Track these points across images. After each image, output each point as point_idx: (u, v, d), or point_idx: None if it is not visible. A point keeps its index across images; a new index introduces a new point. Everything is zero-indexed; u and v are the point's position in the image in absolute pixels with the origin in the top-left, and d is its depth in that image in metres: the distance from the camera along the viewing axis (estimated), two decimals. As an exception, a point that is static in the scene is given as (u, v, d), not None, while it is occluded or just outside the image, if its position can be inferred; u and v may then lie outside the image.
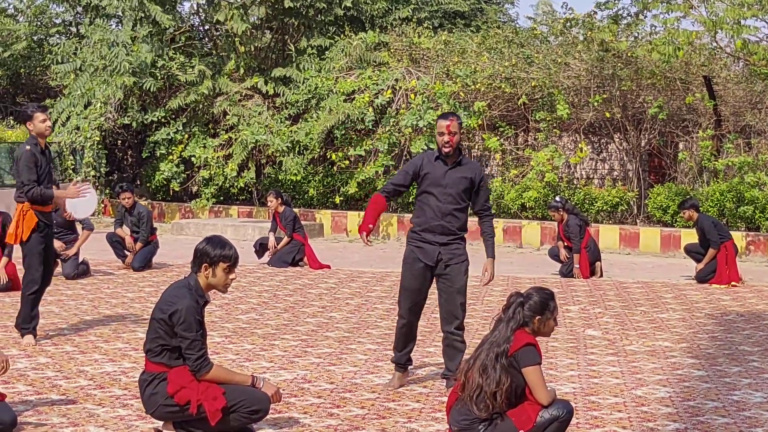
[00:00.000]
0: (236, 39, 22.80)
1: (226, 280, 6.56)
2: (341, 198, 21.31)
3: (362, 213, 21.15)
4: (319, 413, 7.35)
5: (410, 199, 21.05)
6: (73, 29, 26.37)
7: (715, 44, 19.94)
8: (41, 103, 10.52)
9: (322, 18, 24.20)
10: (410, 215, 20.71)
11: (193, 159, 22.25)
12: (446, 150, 8.06)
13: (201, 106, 22.74)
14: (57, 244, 13.97)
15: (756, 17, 17.90)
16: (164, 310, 6.43)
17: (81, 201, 10.19)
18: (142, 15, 22.28)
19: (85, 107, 22.26)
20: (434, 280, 8.18)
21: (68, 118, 22.34)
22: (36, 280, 9.71)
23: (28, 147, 9.67)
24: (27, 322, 9.71)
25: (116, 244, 15.24)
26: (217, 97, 22.58)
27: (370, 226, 8.28)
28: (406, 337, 8.30)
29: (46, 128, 9.75)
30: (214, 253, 6.48)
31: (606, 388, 8.24)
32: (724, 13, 17.50)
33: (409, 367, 8.46)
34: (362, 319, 11.34)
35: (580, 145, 20.63)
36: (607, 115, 20.02)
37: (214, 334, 10.11)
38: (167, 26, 22.24)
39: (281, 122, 21.64)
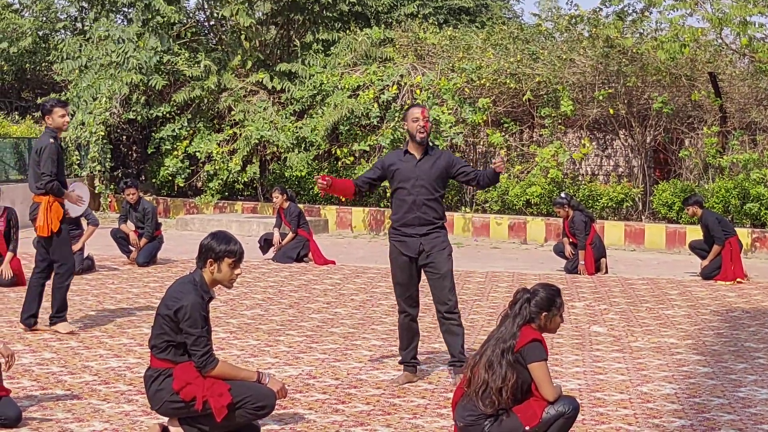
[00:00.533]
0: (241, 34, 22.79)
1: (232, 275, 6.55)
2: (346, 194, 21.28)
3: (367, 209, 21.21)
4: (324, 409, 7.34)
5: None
6: (79, 25, 26.38)
7: (720, 41, 19.90)
8: (61, 98, 10.77)
9: (328, 13, 24.18)
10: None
11: (197, 154, 22.25)
12: (421, 135, 8.25)
13: (206, 101, 22.73)
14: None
15: (762, 14, 17.85)
16: (169, 306, 6.42)
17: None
18: (144, 5, 22.23)
19: (90, 103, 22.25)
20: (420, 271, 8.35)
21: (73, 114, 22.34)
22: (71, 269, 10.07)
23: (51, 140, 9.85)
24: (63, 310, 10.03)
25: (121, 239, 15.25)
26: (222, 93, 22.57)
27: (328, 181, 8.23)
28: (408, 331, 8.40)
29: (63, 123, 10.00)
30: (219, 249, 6.47)
31: (611, 384, 8.24)
32: (731, 11, 17.45)
33: (418, 368, 8.45)
34: (367, 315, 11.34)
35: (583, 141, 20.59)
36: (611, 111, 19.98)
37: (219, 329, 10.11)
38: (173, 19, 22.21)
39: (286, 118, 21.63)
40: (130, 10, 23.31)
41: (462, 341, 8.28)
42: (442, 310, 8.29)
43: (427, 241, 8.19)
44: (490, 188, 20.21)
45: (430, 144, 8.49)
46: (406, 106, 20.74)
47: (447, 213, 20.42)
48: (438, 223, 8.27)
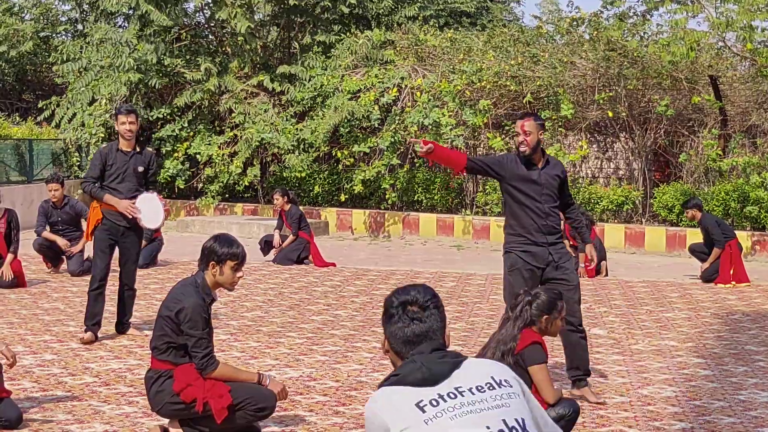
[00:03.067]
0: (240, 37, 22.79)
1: (233, 278, 6.56)
2: (346, 196, 21.32)
3: (367, 211, 21.22)
4: (324, 411, 7.34)
5: (416, 197, 21.06)
6: (80, 27, 26.39)
7: (721, 44, 19.90)
8: (127, 105, 10.56)
9: (328, 16, 24.19)
10: (415, 214, 20.80)
11: (198, 156, 22.26)
12: (522, 149, 7.85)
13: (206, 103, 22.74)
14: (62, 241, 14.01)
15: (766, 20, 17.85)
16: (171, 307, 6.42)
17: (149, 210, 9.83)
18: (138, 15, 22.24)
19: (90, 104, 22.28)
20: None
21: (74, 115, 22.35)
22: (95, 276, 9.84)
23: (103, 145, 10.14)
24: (88, 320, 9.79)
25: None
26: (222, 95, 22.58)
27: (430, 147, 7.65)
28: None
29: (124, 131, 9.71)
30: (222, 251, 6.48)
31: (612, 387, 8.24)
32: (738, 16, 17.46)
33: None
34: (368, 317, 11.34)
35: (581, 143, 20.59)
36: (610, 114, 19.98)
37: (220, 331, 10.11)
38: (166, 25, 22.20)
39: (287, 120, 21.64)
40: (129, 12, 23.31)
41: (587, 356, 7.98)
42: (575, 323, 7.83)
43: (555, 250, 7.87)
44: (489, 192, 20.24)
45: (546, 153, 8.11)
46: (406, 109, 20.77)
47: (447, 215, 20.68)
48: (561, 232, 8.04)
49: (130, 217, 9.67)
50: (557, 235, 7.93)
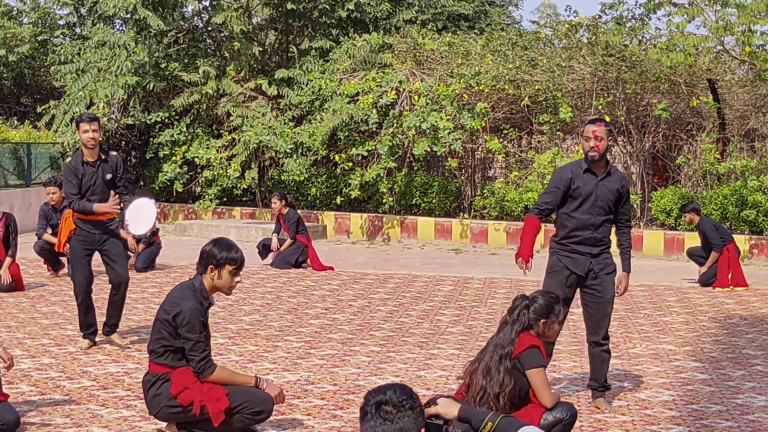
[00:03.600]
0: (237, 41, 22.81)
1: (232, 282, 6.56)
2: (342, 199, 21.31)
3: (365, 215, 21.22)
4: (322, 415, 7.34)
5: (414, 201, 21.06)
6: (77, 30, 26.39)
7: (720, 48, 19.92)
8: (88, 113, 10.02)
9: (326, 20, 24.21)
10: (413, 218, 20.81)
11: (196, 160, 22.26)
12: (592, 155, 7.71)
13: (204, 107, 22.75)
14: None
15: (766, 25, 17.87)
16: (168, 311, 6.43)
17: (139, 215, 9.56)
18: (135, 20, 22.25)
19: (88, 107, 22.26)
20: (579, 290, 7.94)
21: (72, 119, 22.34)
22: (76, 290, 9.58)
23: (68, 160, 9.69)
24: (83, 329, 9.66)
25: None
26: (220, 98, 22.59)
27: (530, 263, 7.76)
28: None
29: (87, 140, 9.34)
30: (221, 256, 6.49)
31: (610, 391, 8.23)
32: (737, 19, 17.47)
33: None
34: (365, 321, 11.34)
35: (577, 148, 20.60)
36: (607, 118, 19.98)
37: (218, 335, 10.11)
38: (162, 29, 22.20)
39: (285, 123, 21.64)
40: (127, 16, 23.32)
41: (607, 368, 7.94)
42: (597, 338, 7.85)
43: (597, 261, 7.83)
44: (487, 195, 20.24)
45: (610, 163, 8.01)
46: (405, 113, 20.77)
47: (445, 219, 20.69)
48: (608, 244, 7.94)
49: (117, 211, 9.39)
50: (602, 246, 7.86)
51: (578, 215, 7.77)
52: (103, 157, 9.50)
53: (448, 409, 5.83)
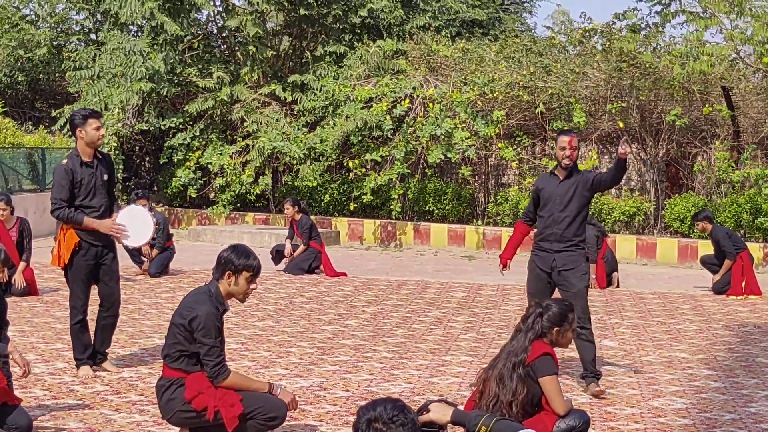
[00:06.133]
0: (250, 47, 22.86)
1: (247, 289, 6.59)
2: (356, 205, 21.32)
3: (378, 221, 21.23)
4: (335, 421, 7.35)
5: (427, 207, 21.08)
6: (93, 36, 26.50)
7: (735, 56, 19.88)
8: (91, 109, 9.00)
9: (339, 26, 24.24)
10: (426, 225, 20.81)
11: (210, 166, 22.31)
12: (567, 163, 8.64)
13: (218, 112, 22.80)
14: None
15: None
16: (184, 315, 6.45)
17: (135, 226, 8.88)
18: (152, 26, 22.31)
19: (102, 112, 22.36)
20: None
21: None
22: (77, 307, 8.80)
23: (64, 161, 8.67)
24: (78, 352, 8.81)
25: (133, 250, 15.26)
26: (234, 104, 22.64)
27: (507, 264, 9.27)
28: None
29: (97, 137, 8.64)
30: (239, 262, 6.51)
31: (622, 398, 8.22)
32: (755, 30, 17.45)
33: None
34: (378, 327, 11.34)
35: (590, 153, 20.58)
36: (621, 125, 19.97)
37: (231, 340, 10.12)
38: (179, 34, 22.26)
39: (298, 129, 21.67)
40: (143, 23, 23.41)
41: (593, 355, 8.54)
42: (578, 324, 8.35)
43: (561, 257, 8.62)
44: (500, 202, 20.23)
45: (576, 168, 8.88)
46: (419, 120, 20.78)
47: (458, 225, 20.66)
48: (574, 241, 8.65)
49: (117, 237, 8.72)
50: (567, 243, 8.61)
51: (543, 214, 8.75)
52: (99, 156, 8.80)
53: (441, 414, 5.86)
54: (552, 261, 8.61)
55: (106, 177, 8.78)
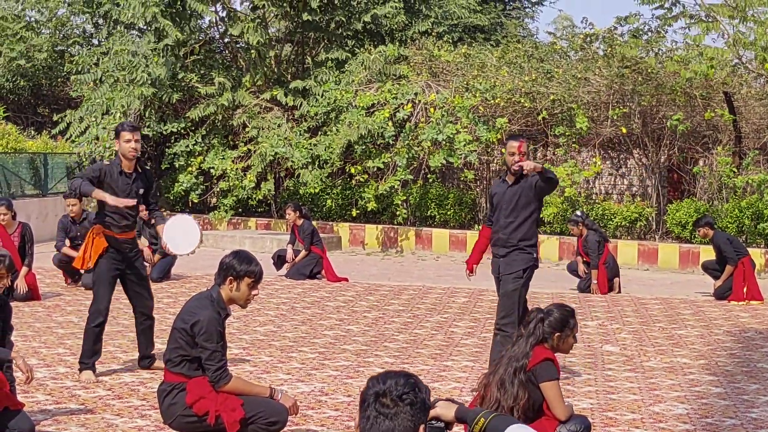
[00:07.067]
0: (253, 52, 22.87)
1: (249, 295, 6.61)
2: (358, 211, 21.33)
3: (380, 226, 21.24)
4: (336, 426, 7.35)
5: (429, 212, 21.09)
6: (94, 40, 26.53)
7: (737, 61, 19.89)
8: (131, 123, 9.05)
9: (341, 31, 24.26)
10: (428, 230, 20.82)
11: (211, 171, 22.32)
12: (516, 168, 8.63)
13: (220, 117, 22.81)
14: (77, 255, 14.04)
15: None
16: (186, 320, 6.46)
17: (181, 233, 8.92)
18: (155, 29, 22.33)
19: (103, 116, 22.34)
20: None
21: (87, 128, 22.43)
22: (101, 311, 8.79)
23: (106, 161, 9.22)
24: (86, 356, 8.76)
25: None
26: (236, 110, 22.65)
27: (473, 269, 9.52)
28: None
29: (129, 150, 8.75)
30: (241, 268, 6.53)
31: (623, 404, 8.23)
32: (757, 36, 17.47)
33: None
34: (380, 333, 11.35)
35: (594, 159, 20.59)
36: (623, 130, 19.98)
37: (232, 345, 10.12)
38: (180, 39, 22.28)
39: (300, 135, 21.68)
40: (144, 28, 23.44)
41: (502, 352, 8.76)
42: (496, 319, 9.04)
43: (504, 263, 8.88)
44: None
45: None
46: (418, 124, 20.78)
47: (459, 231, 20.66)
48: (518, 246, 8.81)
49: (125, 206, 8.64)
50: (510, 248, 8.81)
51: (494, 219, 8.96)
52: (140, 170, 8.93)
53: (447, 410, 5.86)
54: (498, 267, 8.88)
55: (141, 191, 8.89)
